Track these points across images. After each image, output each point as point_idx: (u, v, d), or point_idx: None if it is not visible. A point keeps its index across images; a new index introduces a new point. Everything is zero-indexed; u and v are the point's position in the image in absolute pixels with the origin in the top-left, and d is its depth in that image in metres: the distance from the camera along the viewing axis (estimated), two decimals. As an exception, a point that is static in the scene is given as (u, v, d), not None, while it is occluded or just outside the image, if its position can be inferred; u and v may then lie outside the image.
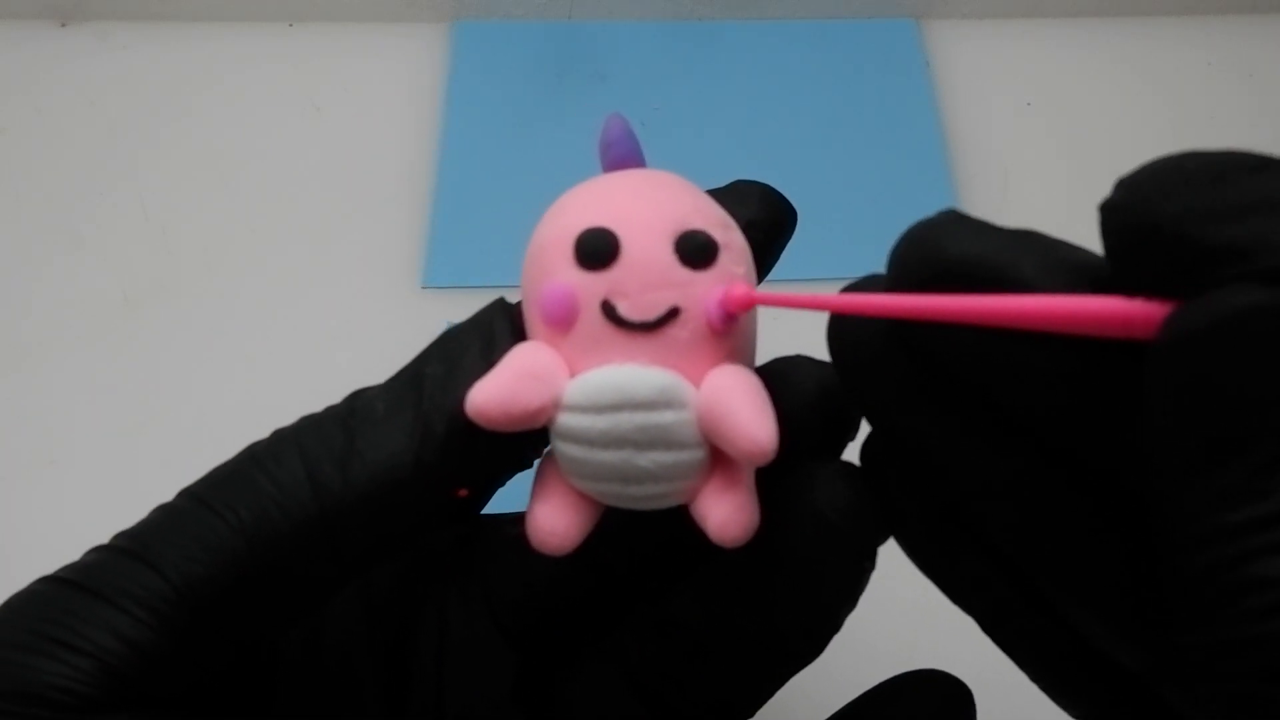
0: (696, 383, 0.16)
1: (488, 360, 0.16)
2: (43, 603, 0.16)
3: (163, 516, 0.17)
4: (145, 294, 0.41)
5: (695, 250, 0.16)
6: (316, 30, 0.48)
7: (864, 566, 0.18)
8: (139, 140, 0.45)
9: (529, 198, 0.48)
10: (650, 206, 0.16)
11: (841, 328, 0.16)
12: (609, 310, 0.16)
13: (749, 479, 0.17)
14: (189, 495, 0.17)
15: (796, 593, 0.19)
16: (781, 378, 0.18)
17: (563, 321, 0.16)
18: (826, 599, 0.19)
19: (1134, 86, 0.48)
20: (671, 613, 0.20)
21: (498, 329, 0.17)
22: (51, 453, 0.37)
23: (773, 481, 0.17)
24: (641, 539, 0.20)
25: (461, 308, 0.41)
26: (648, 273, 0.16)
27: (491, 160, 0.44)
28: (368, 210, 0.43)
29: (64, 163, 0.44)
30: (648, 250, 0.16)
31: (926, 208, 0.47)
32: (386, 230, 0.42)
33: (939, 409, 0.15)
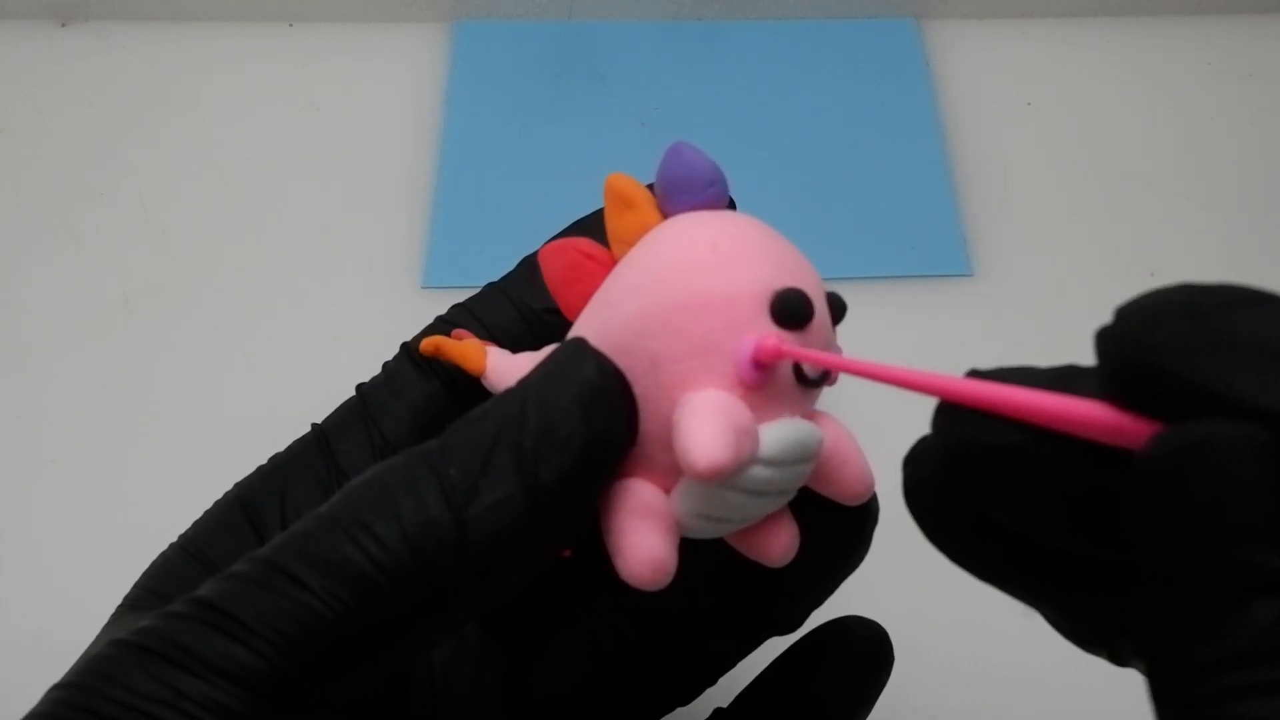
0: None
1: (588, 433, 0.16)
2: (136, 674, 0.15)
3: (244, 588, 0.16)
4: (145, 294, 0.41)
5: (840, 312, 0.18)
6: (316, 30, 0.48)
7: (862, 550, 0.20)
8: (139, 140, 0.45)
9: (529, 198, 0.48)
10: (807, 266, 0.18)
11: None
12: (798, 370, 0.17)
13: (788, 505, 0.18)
14: (270, 565, 0.16)
15: (806, 583, 0.19)
16: None
17: (763, 378, 0.16)
18: (832, 584, 0.20)
19: (1134, 86, 0.48)
20: (648, 600, 0.20)
21: (596, 387, 0.16)
22: (52, 452, 0.37)
23: None
24: None
25: (461, 308, 0.40)
26: (823, 334, 0.17)
27: (491, 160, 0.44)
28: (368, 210, 0.43)
29: (64, 163, 0.44)
30: (823, 312, 0.17)
31: (926, 208, 0.47)
32: (386, 230, 0.42)
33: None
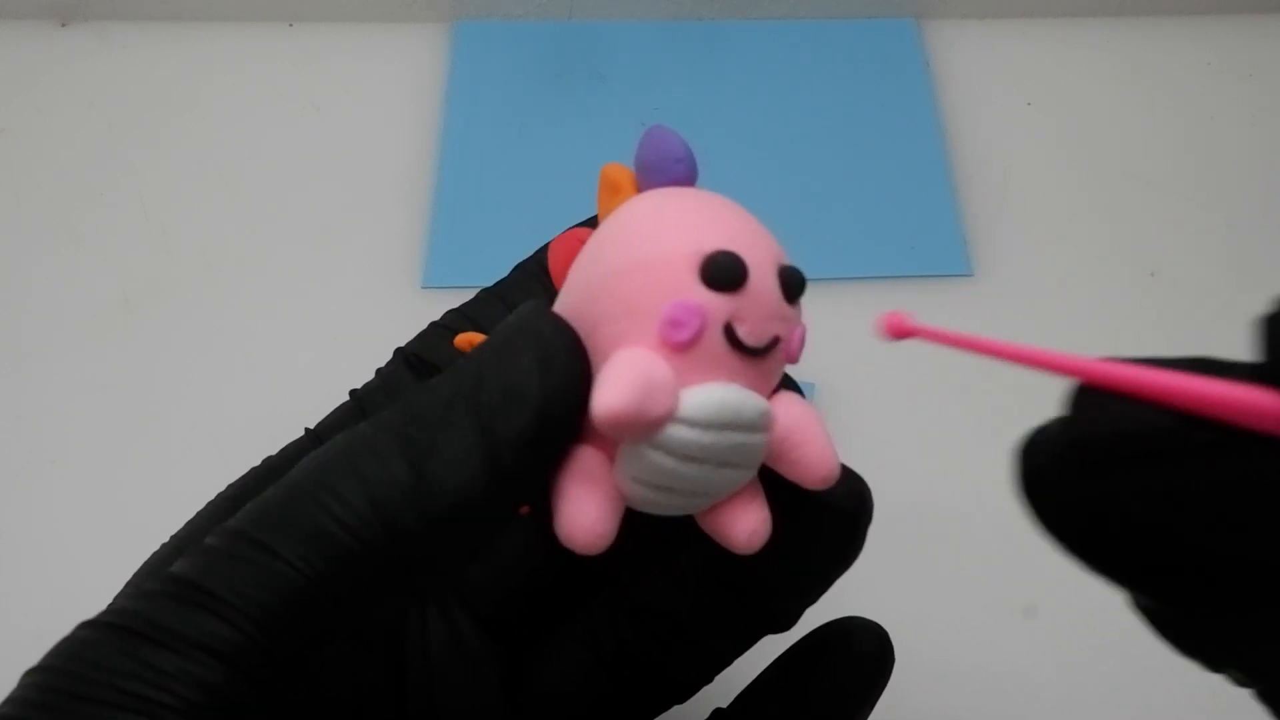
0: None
1: (545, 389, 0.16)
2: (111, 653, 0.15)
3: (215, 560, 0.16)
4: (145, 294, 0.41)
5: (795, 286, 0.17)
6: (316, 30, 0.48)
7: (853, 551, 0.19)
8: (139, 140, 0.45)
9: (529, 198, 0.48)
10: (760, 236, 0.17)
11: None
12: (730, 333, 0.16)
13: (763, 494, 0.18)
14: (238, 535, 0.16)
15: (798, 581, 0.19)
16: None
17: (687, 338, 0.16)
18: (825, 583, 0.20)
19: (1134, 86, 0.48)
20: (646, 599, 0.20)
21: (552, 346, 0.16)
22: (52, 452, 0.37)
23: (767, 477, 0.18)
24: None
25: (461, 308, 0.41)
26: (765, 302, 0.17)
27: (491, 160, 0.44)
28: (368, 210, 0.43)
29: (64, 163, 0.44)
30: (766, 280, 0.17)
31: (926, 208, 0.47)
32: (386, 230, 0.42)
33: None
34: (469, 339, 0.21)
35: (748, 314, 0.16)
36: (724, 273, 0.16)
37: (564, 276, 0.19)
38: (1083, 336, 0.40)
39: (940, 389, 0.39)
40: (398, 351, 0.24)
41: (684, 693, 0.22)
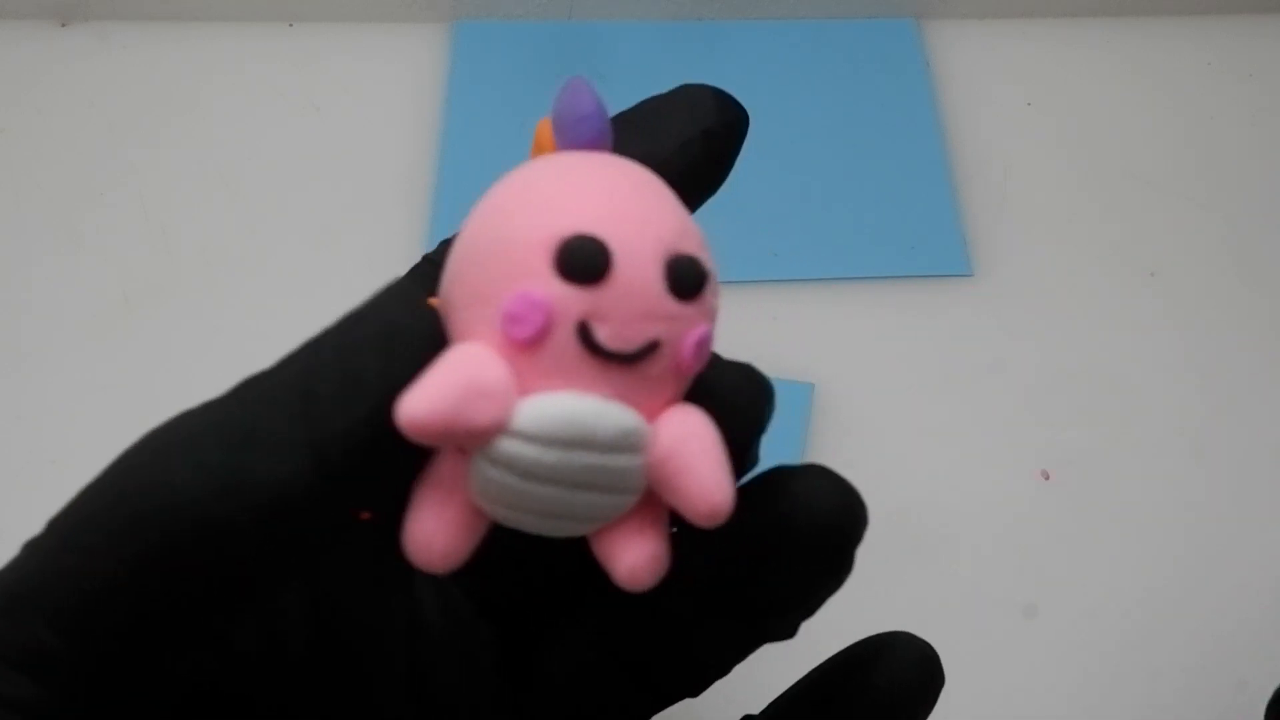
0: (651, 420, 0.14)
1: (387, 380, 0.14)
2: None
3: (28, 558, 0.15)
4: (145, 294, 0.41)
5: (688, 281, 0.14)
6: (316, 30, 0.48)
7: (844, 571, 0.18)
8: (139, 140, 0.45)
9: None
10: (645, 218, 0.14)
11: None
12: (584, 334, 0.14)
13: (665, 521, 0.15)
14: (55, 531, 0.15)
15: (775, 596, 0.19)
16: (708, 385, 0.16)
17: (529, 337, 0.14)
18: (806, 601, 0.19)
19: (1134, 86, 0.48)
20: (652, 594, 0.20)
21: (402, 336, 0.14)
22: (52, 452, 0.37)
23: (745, 485, 0.17)
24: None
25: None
26: (637, 299, 0.14)
27: (492, 161, 0.44)
28: (368, 210, 0.43)
29: (64, 163, 0.44)
30: (641, 273, 0.14)
31: (926, 208, 0.48)
32: (386, 230, 0.42)
33: None
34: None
35: (611, 312, 0.14)
36: (578, 261, 0.14)
37: None
38: (1082, 336, 0.39)
39: (940, 389, 0.39)
40: (424, 259, 0.23)
41: (694, 687, 0.21)
